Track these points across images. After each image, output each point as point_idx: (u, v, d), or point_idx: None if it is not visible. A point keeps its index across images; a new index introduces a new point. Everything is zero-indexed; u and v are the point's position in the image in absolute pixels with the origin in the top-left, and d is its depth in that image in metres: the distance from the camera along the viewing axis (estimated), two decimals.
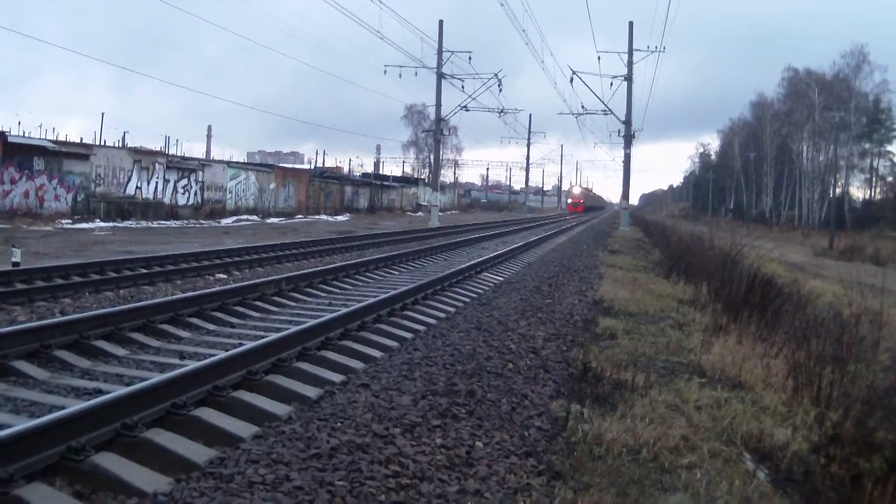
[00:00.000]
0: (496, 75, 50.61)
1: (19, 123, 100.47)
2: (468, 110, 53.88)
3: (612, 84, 50.90)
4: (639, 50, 50.99)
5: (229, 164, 50.36)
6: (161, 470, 4.70)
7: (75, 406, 5.12)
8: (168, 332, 9.09)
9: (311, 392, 6.57)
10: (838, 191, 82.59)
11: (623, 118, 52.37)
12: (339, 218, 56.00)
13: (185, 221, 39.12)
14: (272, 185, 53.41)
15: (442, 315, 11.13)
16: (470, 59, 51.05)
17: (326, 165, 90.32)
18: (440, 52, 49.45)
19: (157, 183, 40.71)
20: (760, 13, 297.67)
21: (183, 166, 43.50)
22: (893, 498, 5.84)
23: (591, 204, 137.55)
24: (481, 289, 14.39)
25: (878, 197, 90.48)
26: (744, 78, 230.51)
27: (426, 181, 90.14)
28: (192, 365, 6.57)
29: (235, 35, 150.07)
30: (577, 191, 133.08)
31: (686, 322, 12.57)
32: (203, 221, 40.14)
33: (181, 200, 42.69)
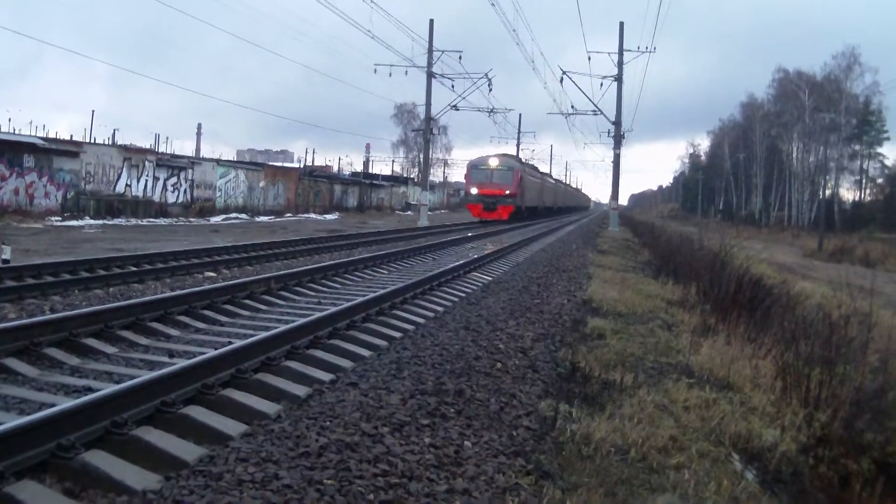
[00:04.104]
0: (486, 75, 50.26)
1: (9, 120, 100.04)
2: (458, 110, 53.70)
3: (602, 84, 50.25)
4: (629, 50, 50.79)
5: (219, 162, 50.24)
6: (151, 468, 4.70)
7: (65, 404, 5.12)
8: (157, 330, 9.08)
9: (300, 391, 6.57)
10: (828, 192, 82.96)
11: (613, 119, 52.41)
12: (329, 217, 55.94)
13: (175, 219, 39.01)
14: (261, 184, 53.32)
15: (431, 314, 11.13)
16: (460, 58, 50.89)
17: (316, 164, 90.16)
18: (430, 51, 49.42)
19: (146, 181, 40.55)
20: (753, 14, 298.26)
21: (173, 164, 43.37)
22: (881, 499, 5.89)
23: (548, 202, 77.12)
24: (470, 288, 14.40)
25: (868, 199, 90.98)
26: (735, 79, 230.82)
27: (415, 180, 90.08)
28: (181, 363, 6.56)
29: (232, 35, 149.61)
30: (493, 162, 55.30)
31: (675, 322, 12.62)
32: (192, 219, 40.04)
33: (171, 198, 42.56)
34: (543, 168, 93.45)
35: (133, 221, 35.42)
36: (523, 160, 71.18)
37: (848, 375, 8.29)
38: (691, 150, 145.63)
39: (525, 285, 15.15)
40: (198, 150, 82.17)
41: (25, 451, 4.48)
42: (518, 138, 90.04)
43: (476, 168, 55.62)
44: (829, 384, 7.93)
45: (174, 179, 43.06)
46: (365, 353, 8.26)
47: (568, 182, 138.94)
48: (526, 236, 32.44)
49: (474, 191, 54.54)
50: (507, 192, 53.12)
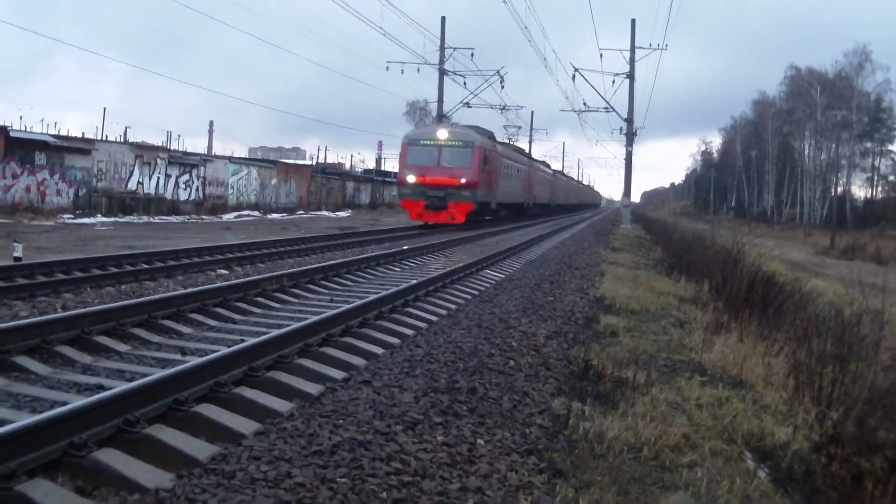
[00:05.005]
0: (498, 72, 50.14)
1: (21, 118, 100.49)
2: (470, 107, 53.35)
3: (614, 82, 50.21)
4: (641, 48, 50.60)
5: (231, 159, 50.40)
6: (163, 466, 4.70)
7: (77, 402, 5.13)
8: (169, 328, 9.08)
9: (313, 389, 6.57)
10: (840, 189, 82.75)
11: (625, 116, 52.27)
12: (341, 214, 56.05)
13: (187, 217, 39.09)
14: (274, 181, 53.41)
15: (443, 312, 11.12)
16: (472, 55, 50.66)
17: (328, 161, 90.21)
18: (442, 48, 49.39)
19: (158, 178, 40.67)
20: (765, 12, 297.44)
21: (185, 161, 43.48)
22: (894, 498, 5.84)
23: (542, 198, 61.64)
24: (483, 286, 14.38)
25: (880, 196, 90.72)
26: (747, 76, 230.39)
27: None
28: (193, 361, 6.58)
29: (244, 33, 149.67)
30: (442, 135, 35.29)
31: (687, 320, 12.58)
32: (204, 217, 40.12)
33: (183, 196, 42.67)
34: (557, 165, 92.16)
35: (145, 219, 35.51)
36: (496, 138, 46.19)
37: (860, 373, 8.22)
38: (703, 148, 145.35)
39: (537, 282, 15.13)
40: (210, 147, 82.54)
41: (37, 449, 4.48)
42: (530, 135, 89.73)
43: (415, 144, 35.89)
44: (842, 382, 7.88)
45: (186, 177, 43.17)
46: (378, 350, 8.26)
47: (579, 179, 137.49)
48: (540, 233, 32.39)
49: (411, 179, 34.80)
50: (463, 180, 34.05)
